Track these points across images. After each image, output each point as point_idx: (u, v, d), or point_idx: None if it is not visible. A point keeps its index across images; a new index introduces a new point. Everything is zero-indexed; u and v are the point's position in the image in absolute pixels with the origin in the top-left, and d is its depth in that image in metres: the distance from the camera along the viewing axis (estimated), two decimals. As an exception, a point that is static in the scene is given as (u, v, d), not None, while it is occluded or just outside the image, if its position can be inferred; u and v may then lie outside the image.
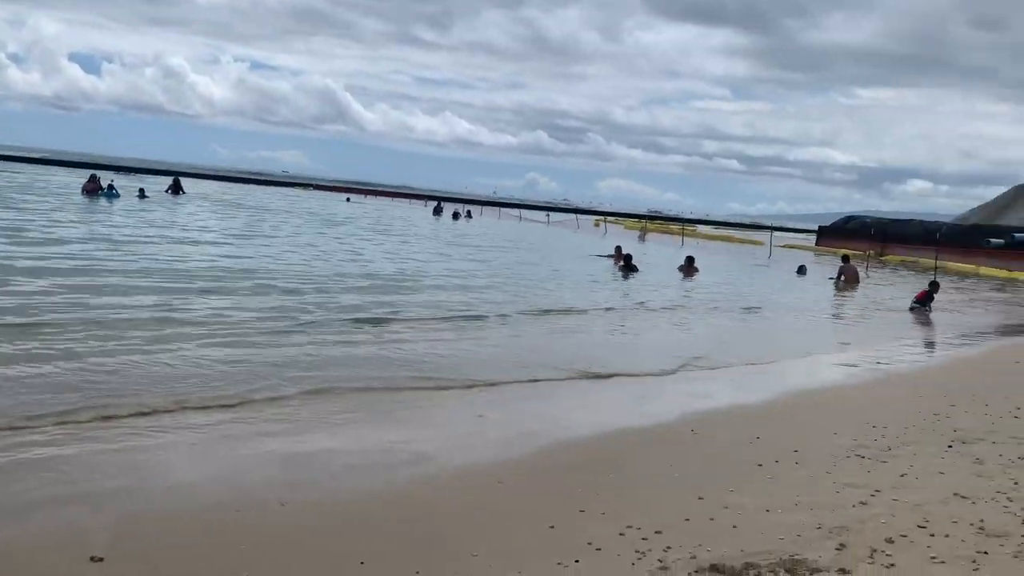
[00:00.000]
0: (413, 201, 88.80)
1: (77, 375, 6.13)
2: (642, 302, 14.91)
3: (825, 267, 28.42)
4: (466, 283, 15.41)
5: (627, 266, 21.22)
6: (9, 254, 12.66)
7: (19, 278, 10.35)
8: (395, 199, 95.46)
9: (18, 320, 7.87)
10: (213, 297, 10.54)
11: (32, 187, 35.22)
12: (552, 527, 3.86)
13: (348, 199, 73.54)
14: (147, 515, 3.80)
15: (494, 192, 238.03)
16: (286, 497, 4.11)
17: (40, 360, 6.45)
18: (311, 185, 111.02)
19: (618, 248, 24.49)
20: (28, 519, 3.66)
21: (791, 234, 70.11)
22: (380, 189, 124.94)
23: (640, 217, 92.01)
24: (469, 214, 60.30)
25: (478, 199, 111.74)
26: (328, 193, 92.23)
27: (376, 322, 9.93)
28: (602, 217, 73.72)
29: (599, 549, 3.61)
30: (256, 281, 12.46)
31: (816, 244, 52.57)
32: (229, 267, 14.04)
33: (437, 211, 58.62)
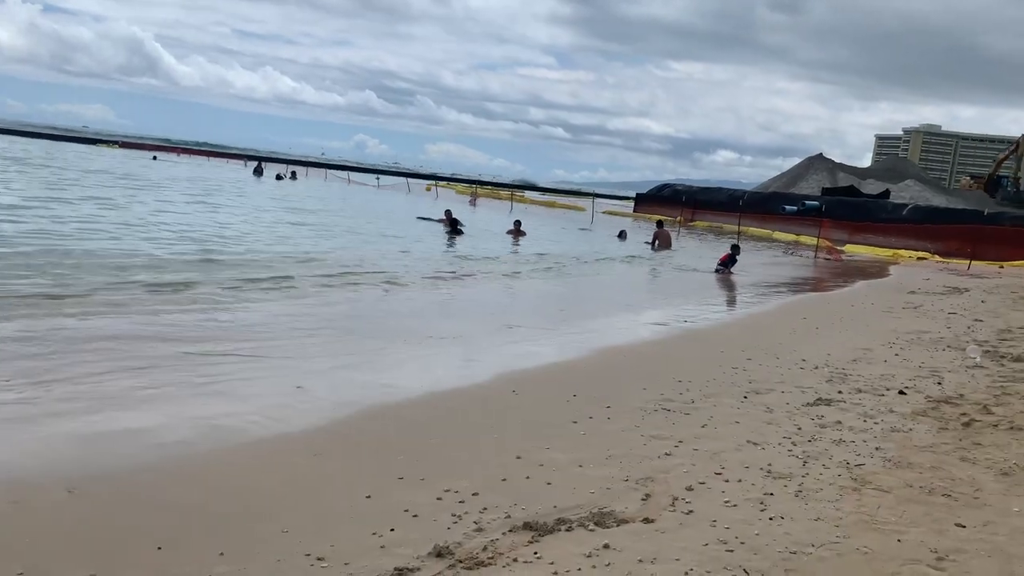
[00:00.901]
0: (231, 160, 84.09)
1: None
2: (469, 266, 15.02)
3: (642, 232, 29.94)
4: (286, 249, 14.81)
5: (454, 230, 21.71)
6: None
7: None
8: (211, 158, 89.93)
9: None
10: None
11: None
12: (369, 497, 3.80)
13: (155, 157, 68.29)
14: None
15: (322, 154, 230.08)
16: (76, 483, 3.76)
17: None
18: (117, 142, 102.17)
19: (447, 212, 24.59)
20: None
21: (612, 201, 73.26)
22: (195, 148, 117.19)
23: (471, 182, 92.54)
24: (293, 175, 57.94)
25: (303, 160, 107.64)
26: (136, 151, 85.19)
27: (184, 290, 9.31)
28: (434, 182, 73.44)
29: (416, 516, 3.59)
30: (48, 250, 11.29)
31: (634, 211, 55.23)
32: (11, 233, 12.62)
33: (258, 171, 55.84)
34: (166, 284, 9.55)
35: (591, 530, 3.54)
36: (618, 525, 3.61)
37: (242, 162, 77.04)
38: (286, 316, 8.59)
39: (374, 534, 3.37)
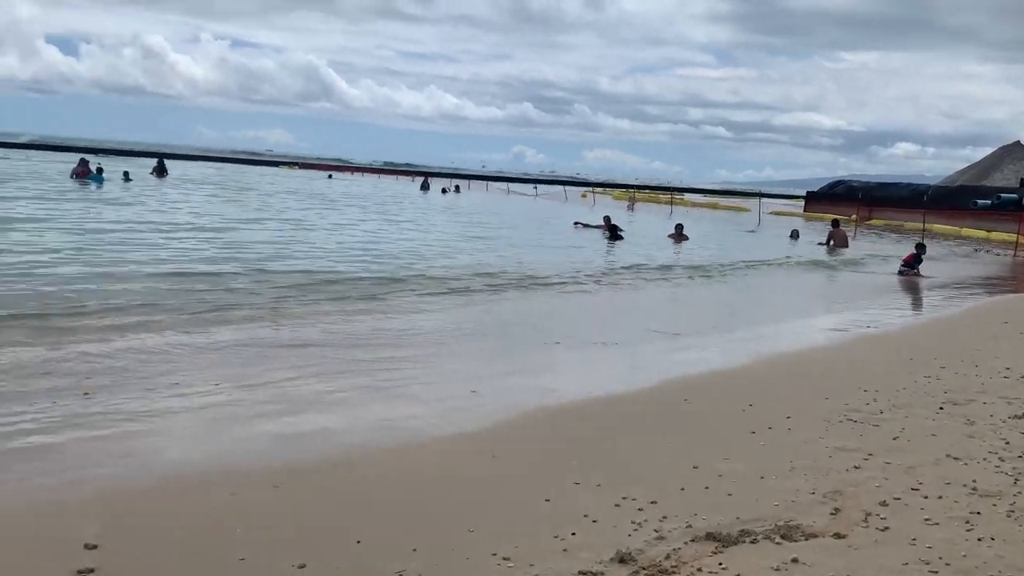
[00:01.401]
0: (400, 177, 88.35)
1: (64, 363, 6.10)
2: (631, 271, 14.92)
3: (815, 232, 28.49)
4: (454, 260, 15.34)
5: (613, 235, 21.78)
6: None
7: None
8: (382, 176, 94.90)
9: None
10: (202, 280, 10.47)
11: (19, 173, 34.86)
12: (547, 500, 3.86)
13: (330, 176, 73.17)
14: (140, 502, 3.76)
15: (483, 166, 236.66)
16: (280, 478, 4.09)
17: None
18: (296, 164, 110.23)
19: (606, 218, 24.55)
20: (17, 506, 3.63)
21: (780, 200, 70.16)
22: (366, 167, 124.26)
23: (627, 187, 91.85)
24: (457, 188, 60.04)
25: (465, 173, 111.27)
26: (313, 172, 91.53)
27: (365, 301, 9.89)
28: (590, 188, 73.57)
29: (595, 521, 3.61)
30: (245, 268, 12.36)
31: (804, 210, 52.60)
32: (212, 255, 13.91)
33: (424, 187, 58.35)
34: (348, 296, 10.16)
35: (777, 543, 3.41)
36: (806, 539, 3.46)
37: (410, 178, 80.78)
38: (457, 323, 8.92)
39: (555, 537, 3.43)
